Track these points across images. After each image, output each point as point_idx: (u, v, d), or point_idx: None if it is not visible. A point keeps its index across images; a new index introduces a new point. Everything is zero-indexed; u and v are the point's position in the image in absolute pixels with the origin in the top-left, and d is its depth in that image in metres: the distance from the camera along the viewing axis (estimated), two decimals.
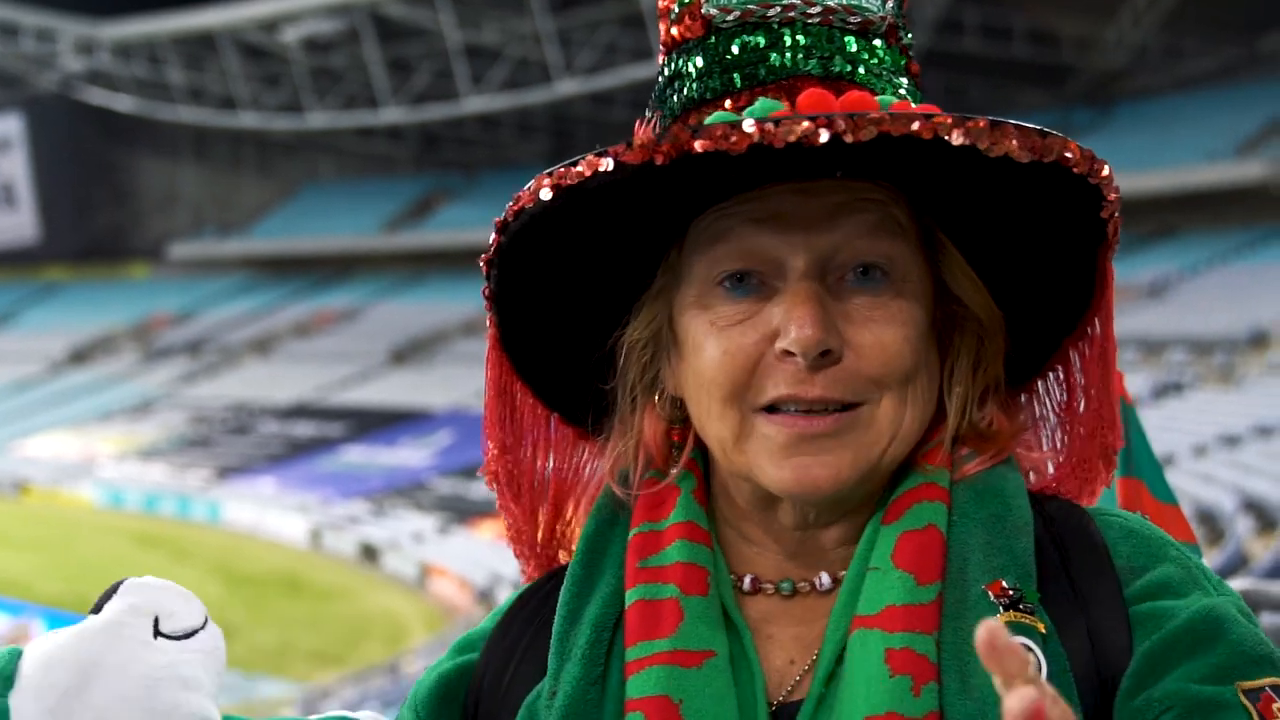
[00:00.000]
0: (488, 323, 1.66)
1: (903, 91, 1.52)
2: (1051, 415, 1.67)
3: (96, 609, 1.50)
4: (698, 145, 1.35)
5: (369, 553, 40.35)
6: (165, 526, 45.52)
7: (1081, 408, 1.64)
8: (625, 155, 1.39)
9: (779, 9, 1.49)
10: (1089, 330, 1.62)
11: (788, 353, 1.43)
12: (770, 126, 1.33)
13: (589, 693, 1.50)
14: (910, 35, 1.58)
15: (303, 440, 52.29)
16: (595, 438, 1.69)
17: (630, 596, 1.53)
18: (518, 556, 1.76)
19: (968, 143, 1.35)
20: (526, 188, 1.48)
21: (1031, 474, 1.62)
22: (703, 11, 1.52)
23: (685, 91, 1.53)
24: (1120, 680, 1.41)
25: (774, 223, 1.46)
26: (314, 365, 61.07)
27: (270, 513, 44.90)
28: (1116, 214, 1.50)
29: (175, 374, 65.25)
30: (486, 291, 1.61)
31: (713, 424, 1.50)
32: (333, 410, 55.26)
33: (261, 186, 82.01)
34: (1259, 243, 42.67)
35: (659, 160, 1.37)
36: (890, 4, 1.54)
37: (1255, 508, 24.29)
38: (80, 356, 70.42)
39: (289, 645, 32.20)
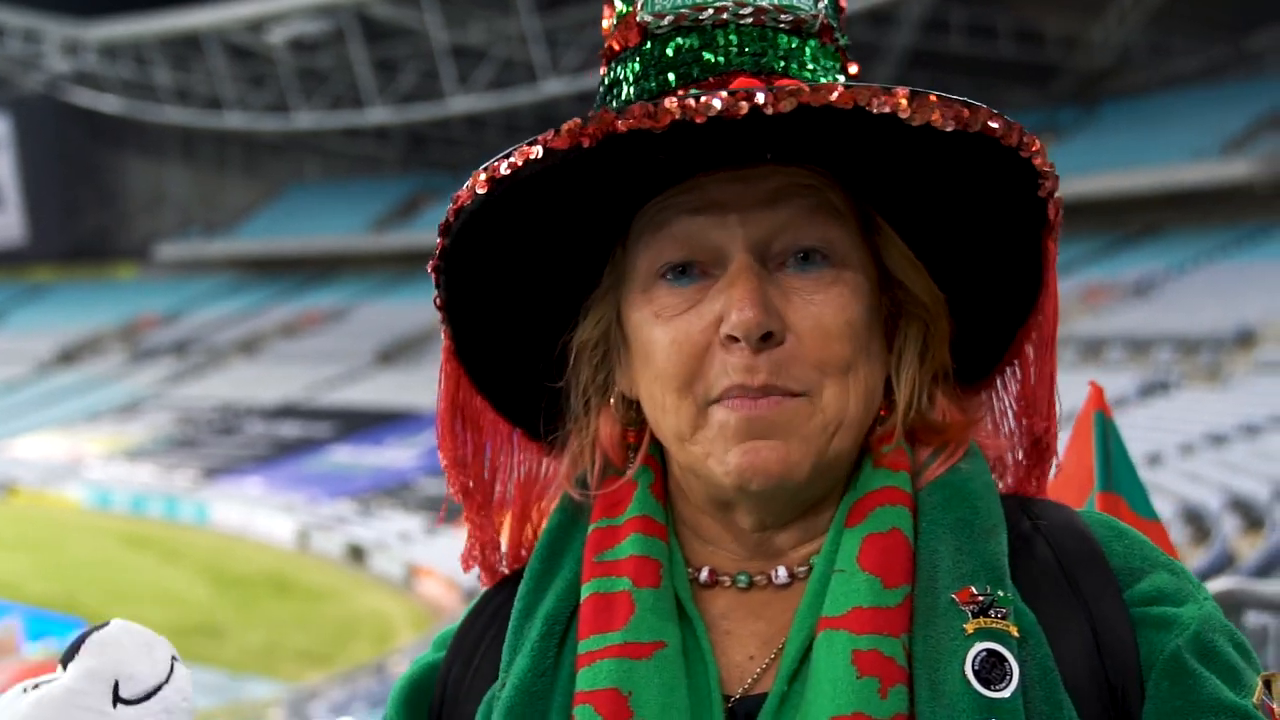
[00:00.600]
0: (442, 334, 1.65)
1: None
2: (1010, 408, 1.67)
3: (63, 658, 1.49)
4: (620, 124, 1.37)
5: (356, 553, 40.33)
6: (153, 527, 45.47)
7: (1016, 391, 1.65)
8: (553, 141, 1.41)
9: (711, 11, 1.50)
10: (1039, 319, 1.62)
11: (731, 338, 1.43)
12: (691, 102, 1.34)
13: (535, 684, 1.51)
14: (846, 39, 1.59)
15: (290, 440, 52.26)
16: (553, 446, 1.69)
17: (585, 590, 1.54)
18: (478, 566, 1.77)
19: (887, 110, 1.36)
20: (465, 185, 1.49)
21: (998, 468, 1.62)
22: (638, 20, 1.54)
23: (623, 95, 1.54)
24: (1132, 679, 1.43)
25: (711, 211, 1.47)
26: (301, 365, 61.03)
27: (258, 513, 44.86)
28: (1055, 194, 1.50)
29: (162, 374, 65.17)
30: (437, 300, 1.60)
31: (667, 418, 1.51)
32: (320, 410, 55.23)
33: (248, 187, 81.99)
34: (1245, 241, 42.76)
35: (585, 143, 1.39)
36: (824, 4, 1.55)
37: (1242, 506, 24.34)
38: (67, 357, 70.32)
39: (276, 645, 32.17)
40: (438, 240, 1.54)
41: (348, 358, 60.14)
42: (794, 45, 1.51)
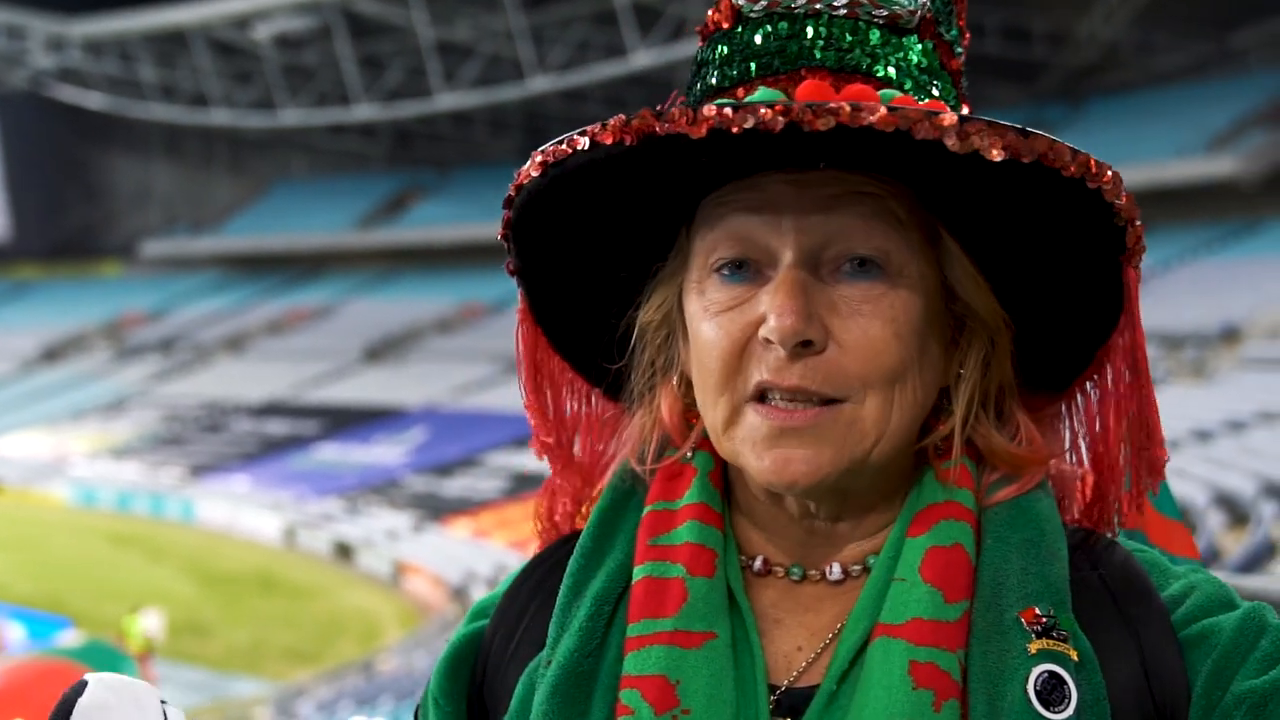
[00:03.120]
0: (518, 297, 1.69)
1: (934, 91, 1.52)
2: (1084, 436, 1.64)
3: None
4: (660, 128, 1.38)
5: (343, 551, 40.28)
6: (138, 525, 45.37)
7: (1114, 421, 1.61)
8: (600, 135, 1.43)
9: (804, 0, 1.49)
10: (1118, 341, 1.58)
11: (768, 340, 1.43)
12: (728, 112, 1.34)
13: (582, 664, 1.51)
14: (956, 31, 1.58)
15: (276, 438, 52.17)
16: (627, 412, 1.71)
17: (638, 573, 1.54)
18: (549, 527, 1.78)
19: (933, 137, 1.34)
20: (522, 168, 1.53)
21: (1064, 499, 1.61)
22: (734, 2, 1.53)
23: (707, 78, 1.54)
24: (1183, 706, 1.42)
25: (767, 211, 1.46)
26: (287, 363, 60.94)
27: (244, 511, 44.79)
28: (1136, 221, 1.46)
29: (148, 372, 65.04)
30: (510, 266, 1.64)
31: (708, 411, 1.52)
32: (306, 408, 55.15)
33: (234, 184, 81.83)
34: (1230, 238, 42.86)
35: (628, 140, 1.41)
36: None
37: (1226, 502, 24.40)
38: (52, 355, 70.15)
39: (263, 644, 32.12)
40: (504, 209, 1.58)
41: (334, 355, 60.06)
42: (886, 41, 1.50)
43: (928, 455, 1.55)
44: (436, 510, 40.10)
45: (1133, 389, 1.58)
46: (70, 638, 27.68)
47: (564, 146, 1.47)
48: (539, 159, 1.50)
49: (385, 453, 47.38)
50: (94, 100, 71.21)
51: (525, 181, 1.52)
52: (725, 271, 1.49)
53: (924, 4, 1.52)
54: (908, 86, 1.50)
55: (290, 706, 27.12)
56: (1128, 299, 1.53)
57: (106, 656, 20.82)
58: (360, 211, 72.09)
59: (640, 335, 1.63)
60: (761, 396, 1.46)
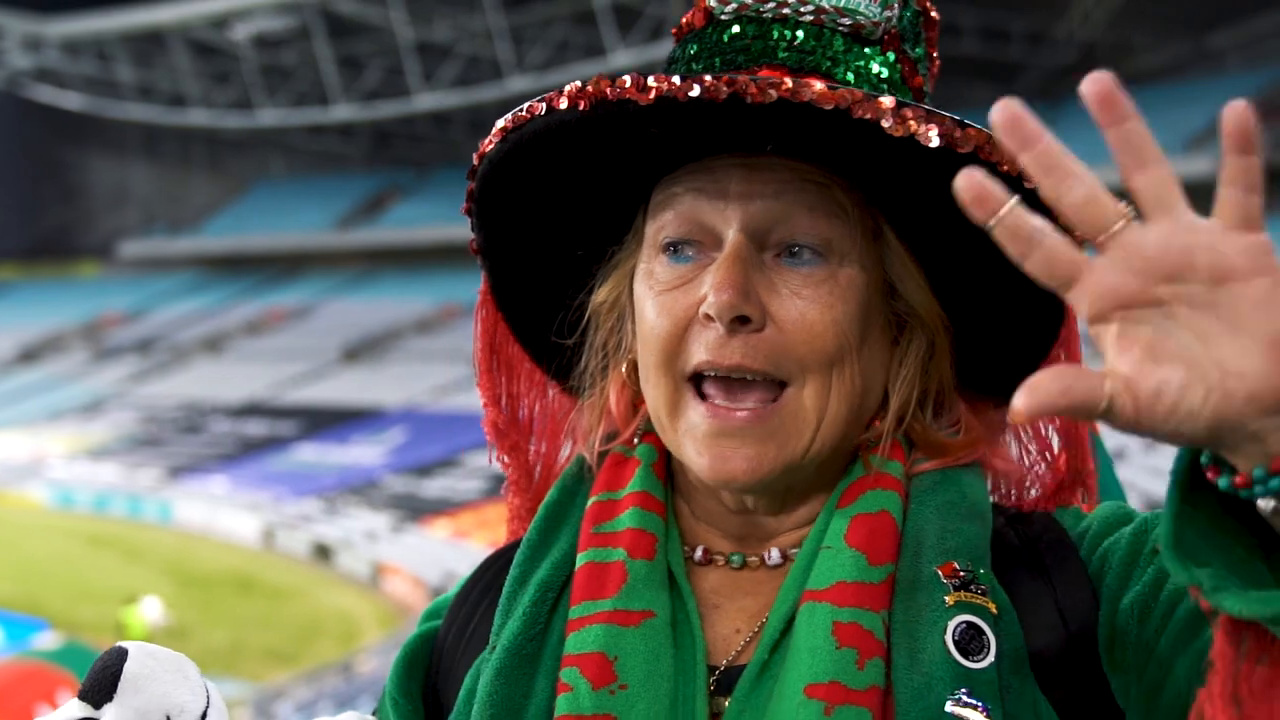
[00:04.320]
0: (482, 277, 1.72)
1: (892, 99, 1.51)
2: (1028, 438, 1.67)
3: (90, 695, 1.42)
4: (610, 92, 1.42)
5: (322, 552, 40.19)
6: (116, 527, 45.20)
7: (1045, 430, 1.66)
8: (555, 100, 1.48)
9: (773, 4, 1.53)
10: (1058, 353, 1.61)
11: (708, 316, 1.47)
12: (675, 81, 1.39)
13: (525, 647, 1.54)
14: (921, 51, 1.61)
15: (254, 439, 52.05)
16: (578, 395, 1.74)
17: (580, 559, 1.57)
18: (513, 517, 1.81)
19: (868, 117, 1.36)
20: (482, 142, 1.58)
21: (1003, 485, 1.64)
22: (707, 4, 1.57)
23: (677, 75, 1.54)
24: (1091, 628, 1.45)
25: (716, 194, 1.50)
26: (265, 364, 60.81)
27: (222, 512, 44.66)
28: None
29: (126, 373, 64.85)
30: (473, 244, 1.67)
31: (650, 391, 1.55)
32: (284, 409, 55.03)
33: (212, 184, 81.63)
34: None
35: (582, 105, 1.45)
36: (895, 13, 1.56)
37: None
38: (29, 356, 69.88)
39: (242, 645, 32.03)
40: (467, 180, 1.62)
41: (313, 355, 59.94)
42: (849, 49, 1.54)
43: (862, 450, 1.58)
44: (416, 511, 40.04)
45: None
46: (47, 640, 27.58)
47: (523, 113, 1.51)
48: (499, 125, 1.54)
49: (364, 453, 47.30)
50: (71, 100, 70.97)
51: (487, 150, 1.56)
52: (672, 250, 1.52)
53: (890, 18, 1.56)
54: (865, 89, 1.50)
55: (269, 707, 27.07)
56: (1067, 307, 1.51)
57: (85, 658, 20.75)
58: (339, 212, 71.97)
59: (593, 317, 1.66)
60: (700, 387, 1.49)
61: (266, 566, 39.44)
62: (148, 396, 60.80)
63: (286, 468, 47.90)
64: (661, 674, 1.47)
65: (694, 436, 1.49)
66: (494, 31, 54.25)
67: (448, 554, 34.82)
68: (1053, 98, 54.09)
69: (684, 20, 1.60)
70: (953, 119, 1.39)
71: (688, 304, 1.50)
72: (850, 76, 1.52)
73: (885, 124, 1.37)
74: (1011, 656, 1.42)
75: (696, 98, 1.38)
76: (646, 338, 1.53)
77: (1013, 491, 1.65)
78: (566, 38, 54.24)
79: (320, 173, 76.92)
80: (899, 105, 1.38)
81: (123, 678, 1.42)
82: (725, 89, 1.36)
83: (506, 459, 1.80)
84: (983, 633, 1.42)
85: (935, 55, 1.66)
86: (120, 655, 1.44)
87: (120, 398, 61.57)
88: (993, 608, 1.44)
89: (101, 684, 1.42)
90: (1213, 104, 45.88)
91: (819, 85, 1.36)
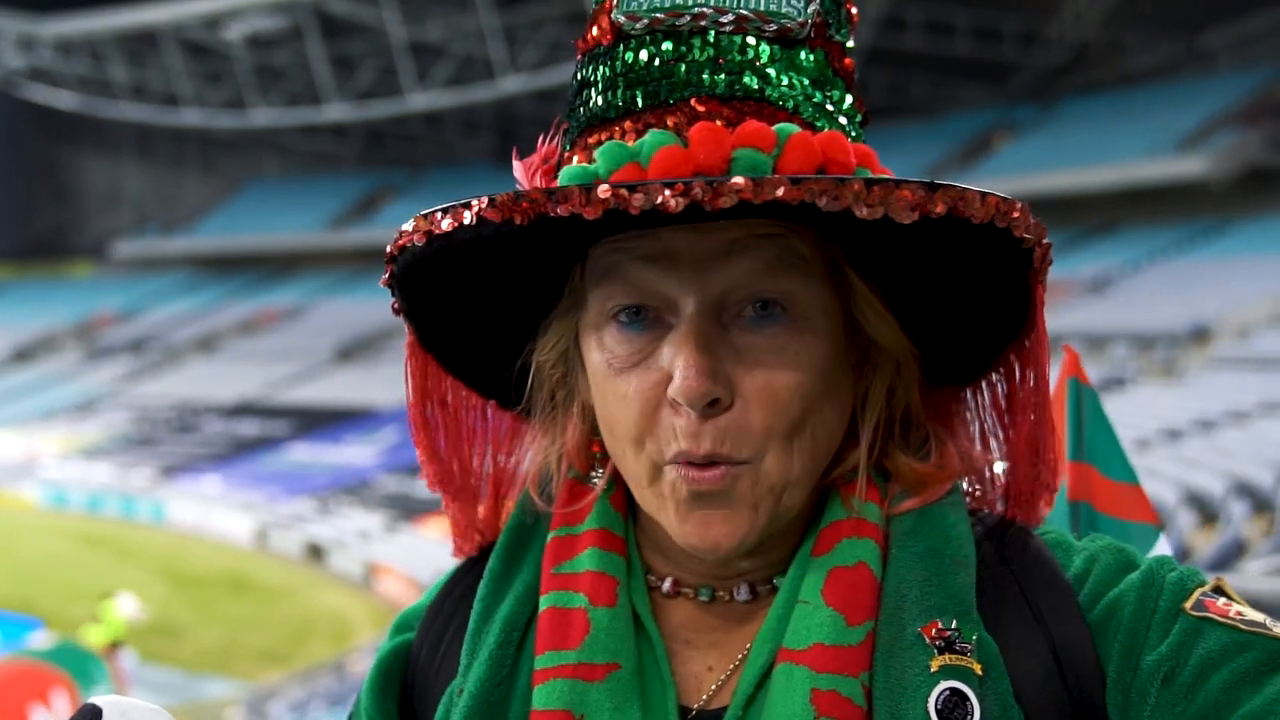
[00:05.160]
0: (406, 331, 1.62)
1: (826, 107, 1.46)
2: (994, 426, 1.61)
3: None
4: (557, 210, 1.31)
5: (315, 551, 40.18)
6: (109, 526, 45.17)
7: (1013, 434, 1.59)
8: (487, 211, 1.35)
9: (689, 18, 1.42)
10: (1013, 356, 1.56)
11: (677, 402, 1.39)
12: (624, 193, 1.28)
13: (493, 693, 1.51)
14: (845, 32, 1.51)
15: (248, 439, 52.01)
16: (528, 420, 1.68)
17: (543, 603, 1.53)
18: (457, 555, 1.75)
19: (841, 208, 1.29)
20: (405, 227, 1.45)
21: (982, 490, 1.60)
22: (611, 18, 1.46)
23: (590, 104, 1.47)
24: (1099, 693, 1.42)
25: (665, 261, 1.40)
26: (258, 363, 60.77)
27: (215, 512, 44.63)
28: (1045, 240, 1.41)
29: (119, 373, 64.79)
30: (395, 306, 1.57)
31: (626, 463, 1.48)
32: (278, 409, 55.00)
33: (205, 184, 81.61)
34: (1199, 238, 43.02)
35: (518, 220, 1.33)
36: (816, 5, 1.46)
37: (1197, 501, 24.47)
38: (23, 355, 69.84)
39: (234, 645, 32.00)
40: (385, 263, 1.51)
41: (306, 355, 59.91)
42: (777, 58, 1.43)
43: (835, 482, 1.53)
44: (409, 511, 39.99)
45: (1031, 396, 1.55)
46: (41, 639, 27.56)
47: (448, 220, 1.39)
48: (423, 228, 1.42)
49: (357, 453, 47.26)
50: (64, 100, 70.93)
51: (406, 244, 1.45)
52: (623, 319, 1.44)
53: (813, 10, 1.46)
54: (806, 112, 1.44)
55: (262, 707, 27.04)
56: (1035, 311, 1.50)
57: (78, 657, 20.74)
58: (332, 212, 71.94)
59: (537, 374, 1.59)
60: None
61: (259, 566, 39.41)
62: (141, 396, 60.76)
63: (279, 467, 47.87)
64: None
65: (675, 502, 1.43)
66: (487, 31, 54.27)
67: (440, 554, 34.70)
68: (1045, 98, 54.21)
69: (589, 35, 1.48)
70: (924, 186, 1.32)
71: (653, 383, 1.42)
72: (785, 91, 1.43)
73: (859, 212, 1.30)
74: (1001, 717, 1.39)
75: (650, 210, 1.28)
76: (614, 420, 1.46)
77: (977, 489, 1.61)
78: (559, 37, 54.19)
79: (313, 172, 76.90)
80: (868, 187, 1.30)
81: None
82: (682, 200, 1.27)
83: (454, 506, 1.72)
84: (966, 699, 1.38)
85: (854, 15, 1.54)
86: (95, 715, 1.41)
87: (113, 397, 61.52)
88: (977, 669, 1.40)
89: None
90: (1205, 104, 46.03)
91: (783, 185, 1.28)
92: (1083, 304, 40.23)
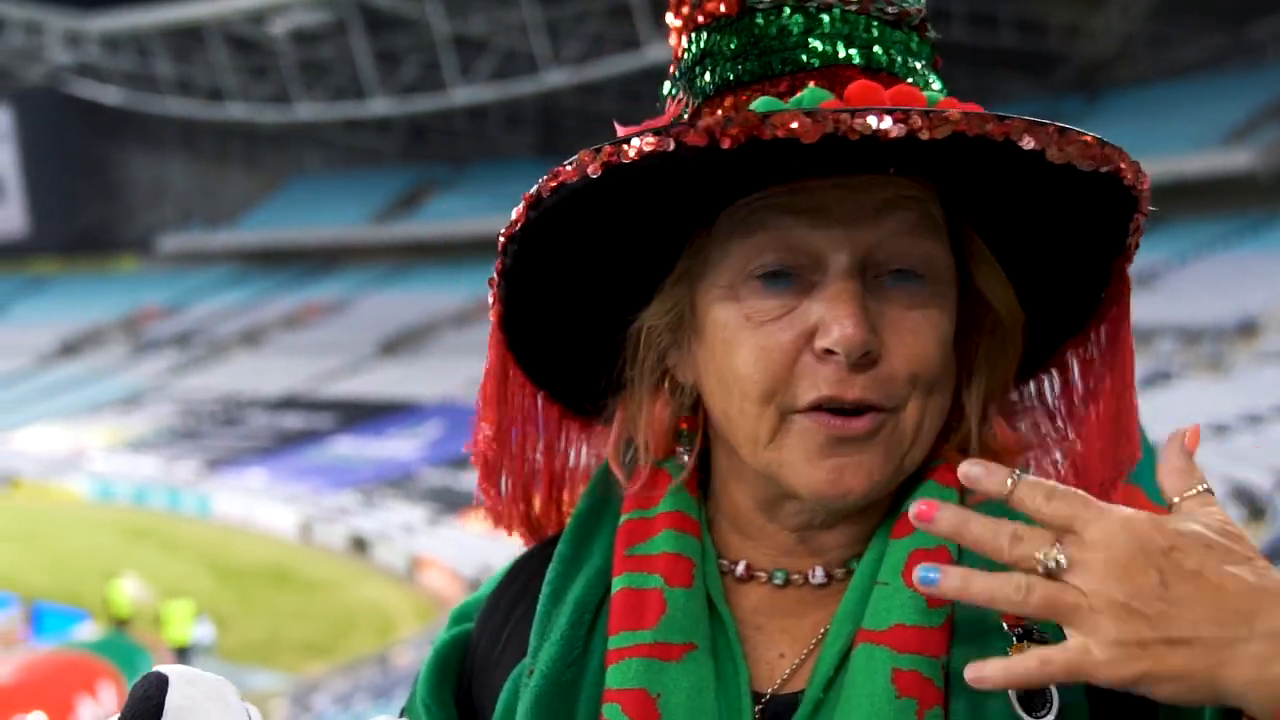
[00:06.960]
0: (490, 300, 1.58)
1: (938, 87, 1.49)
2: (1060, 417, 1.63)
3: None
4: (768, 131, 1.29)
5: (359, 544, 40.32)
6: (155, 519, 45.47)
7: (1093, 416, 1.60)
8: (689, 136, 1.31)
9: None
10: (1094, 335, 1.59)
11: (829, 351, 1.39)
12: (845, 117, 1.28)
13: (565, 674, 1.50)
14: (935, 33, 1.54)
15: (292, 432, 52.24)
16: (593, 420, 1.68)
17: (617, 584, 1.53)
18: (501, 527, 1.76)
19: (1037, 148, 1.32)
20: (568, 163, 1.40)
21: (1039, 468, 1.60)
22: None
23: (718, 72, 1.46)
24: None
25: (816, 217, 1.41)
26: (303, 357, 61.02)
27: (260, 505, 44.84)
28: (1141, 225, 1.46)
29: (164, 366, 65.18)
30: (499, 267, 1.53)
31: (746, 422, 1.46)
32: (322, 402, 55.21)
33: (249, 178, 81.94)
34: (1247, 231, 42.74)
35: (726, 144, 1.30)
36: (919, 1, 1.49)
37: (1245, 496, 24.35)
38: (69, 349, 70.33)
39: (278, 637, 32.17)
40: (520, 209, 1.46)
41: (350, 349, 60.12)
42: (896, 38, 1.47)
43: (923, 467, 1.53)
44: (452, 504, 40.08)
45: (1115, 382, 1.58)
46: (88, 630, 27.77)
47: (639, 146, 1.35)
48: (600, 158, 1.37)
49: (401, 446, 47.41)
50: (111, 95, 71.38)
51: (571, 180, 1.40)
52: (766, 279, 1.43)
53: (920, 2, 1.50)
54: (922, 84, 1.47)
55: (306, 699, 27.18)
56: (1121, 295, 1.54)
57: (125, 650, 20.87)
58: (375, 206, 72.15)
59: (643, 339, 1.57)
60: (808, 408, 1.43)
61: (304, 559, 39.59)
62: (186, 390, 61.09)
63: (324, 461, 48.06)
64: (705, 710, 1.44)
65: (806, 450, 1.42)
66: (530, 25, 54.30)
67: (484, 547, 34.86)
68: (1091, 91, 53.91)
69: (708, 7, 1.47)
70: (1098, 140, 1.37)
71: (793, 336, 1.41)
72: (910, 71, 1.46)
73: (1050, 153, 1.33)
74: (1075, 709, 1.38)
75: (871, 134, 1.28)
76: (744, 371, 1.44)
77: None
78: (602, 31, 54.20)
79: (357, 167, 77.12)
80: (1060, 132, 1.33)
81: (165, 711, 1.38)
82: (901, 126, 1.28)
83: (491, 490, 1.73)
84: (1047, 688, 1.37)
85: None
86: (161, 684, 1.39)
87: (159, 391, 61.88)
88: None
89: (143, 717, 1.39)
90: (1252, 96, 45.69)
91: (990, 124, 1.31)
92: None
